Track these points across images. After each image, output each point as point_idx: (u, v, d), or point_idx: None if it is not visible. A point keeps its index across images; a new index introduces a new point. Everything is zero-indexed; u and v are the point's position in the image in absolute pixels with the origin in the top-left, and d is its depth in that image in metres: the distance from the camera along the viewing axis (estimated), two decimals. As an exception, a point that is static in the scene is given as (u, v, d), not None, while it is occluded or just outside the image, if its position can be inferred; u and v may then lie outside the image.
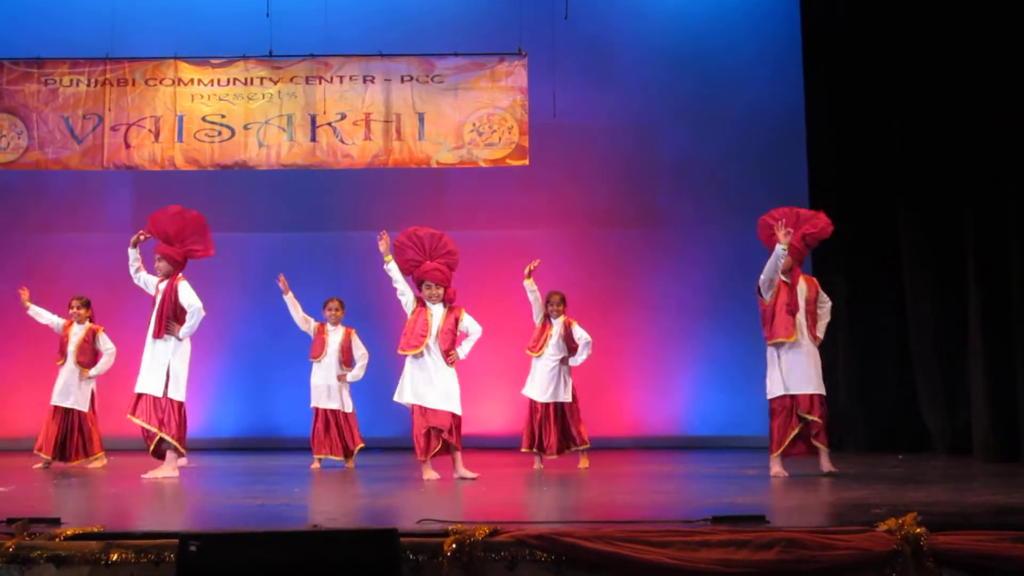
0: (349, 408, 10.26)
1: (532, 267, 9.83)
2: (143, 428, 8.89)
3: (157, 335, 8.91)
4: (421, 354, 8.76)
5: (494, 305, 11.47)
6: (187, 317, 8.88)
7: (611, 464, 10.05)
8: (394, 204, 12.89)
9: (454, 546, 4.87)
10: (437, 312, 8.88)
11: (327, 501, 7.66)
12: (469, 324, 8.97)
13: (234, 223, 12.76)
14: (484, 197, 12.97)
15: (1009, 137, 9.69)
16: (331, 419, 10.14)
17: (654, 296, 12.90)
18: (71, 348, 10.34)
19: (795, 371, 8.85)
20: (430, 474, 8.60)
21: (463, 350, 8.95)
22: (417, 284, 8.98)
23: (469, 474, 8.67)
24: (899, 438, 11.40)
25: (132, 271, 9.14)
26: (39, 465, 10.05)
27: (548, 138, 12.43)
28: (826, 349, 9.46)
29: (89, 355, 10.37)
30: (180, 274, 9.06)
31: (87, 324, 10.46)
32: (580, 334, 9.86)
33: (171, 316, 8.89)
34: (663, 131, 13.21)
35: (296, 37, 12.25)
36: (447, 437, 8.68)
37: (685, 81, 13.08)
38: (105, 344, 10.44)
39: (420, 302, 8.91)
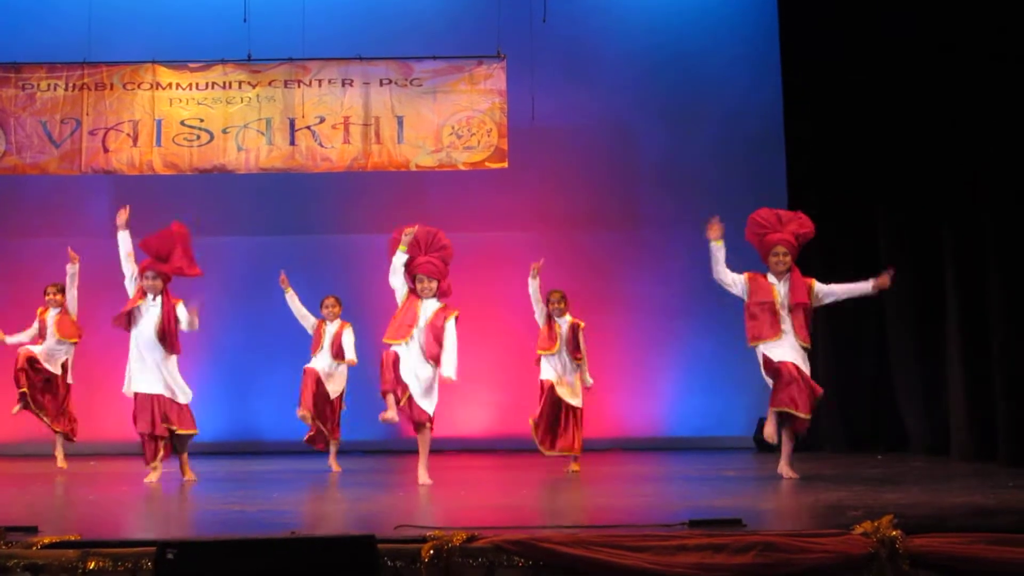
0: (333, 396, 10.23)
1: (538, 267, 9.83)
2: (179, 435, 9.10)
3: (173, 351, 9.10)
4: (406, 344, 8.71)
5: (475, 308, 11.45)
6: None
7: (591, 466, 10.06)
8: (373, 207, 12.90)
9: (432, 552, 4.87)
10: (429, 306, 8.85)
11: (306, 506, 7.65)
12: (448, 331, 8.85)
13: (213, 227, 12.73)
14: (463, 200, 12.97)
15: (988, 139, 9.73)
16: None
17: (634, 297, 12.93)
18: (50, 329, 10.60)
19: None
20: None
21: (444, 360, 8.80)
22: (412, 279, 8.91)
23: (426, 480, 8.64)
24: (877, 439, 11.46)
25: (125, 254, 9.18)
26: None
27: (527, 141, 12.44)
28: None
29: (68, 327, 10.59)
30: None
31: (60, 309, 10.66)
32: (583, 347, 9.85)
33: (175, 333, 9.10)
34: (642, 133, 13.24)
35: (274, 41, 12.23)
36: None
37: (664, 83, 13.12)
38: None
39: (412, 292, 8.88)
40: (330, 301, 10.37)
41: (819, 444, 11.58)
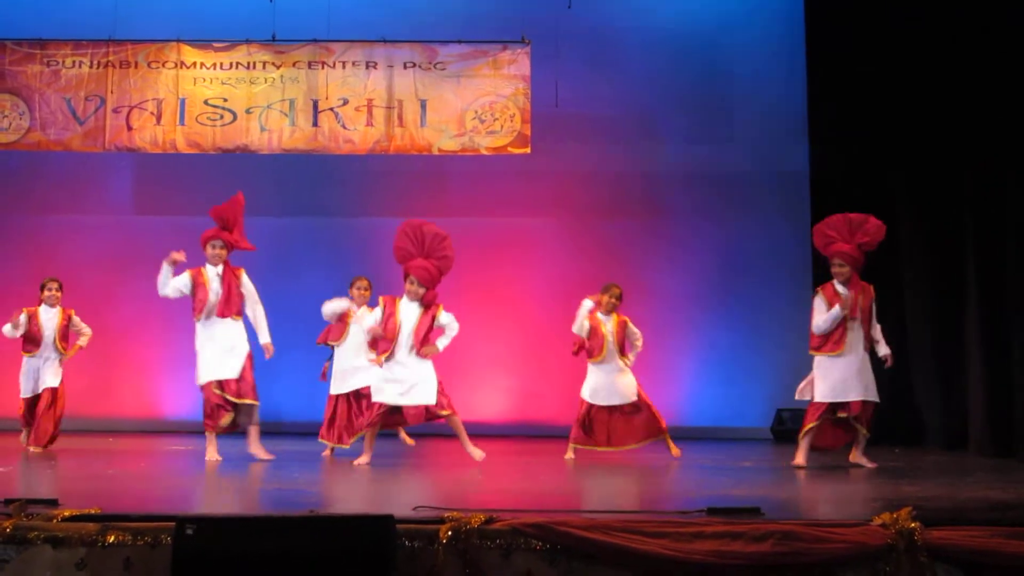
0: None
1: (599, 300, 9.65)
2: (238, 404, 9.04)
3: (226, 314, 9.09)
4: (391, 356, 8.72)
5: (493, 293, 11.50)
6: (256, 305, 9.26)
7: (607, 454, 10.05)
8: (395, 190, 12.91)
9: (450, 533, 4.88)
10: (412, 311, 8.80)
11: (324, 486, 7.67)
12: (448, 321, 8.85)
13: (235, 207, 12.76)
14: (485, 185, 12.96)
15: (1012, 135, 9.68)
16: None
17: (653, 287, 12.89)
18: (50, 333, 10.14)
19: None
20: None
21: (441, 343, 8.82)
22: (403, 276, 8.87)
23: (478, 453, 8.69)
24: (896, 432, 11.40)
25: (168, 288, 9.14)
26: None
27: (550, 127, 12.42)
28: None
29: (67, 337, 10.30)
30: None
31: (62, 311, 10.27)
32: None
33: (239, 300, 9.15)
34: (665, 122, 13.19)
35: (299, 22, 12.23)
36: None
37: (688, 72, 13.07)
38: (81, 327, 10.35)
39: (388, 301, 8.84)
40: (363, 283, 10.01)
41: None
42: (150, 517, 5.10)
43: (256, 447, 9.00)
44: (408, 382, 8.65)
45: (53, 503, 5.44)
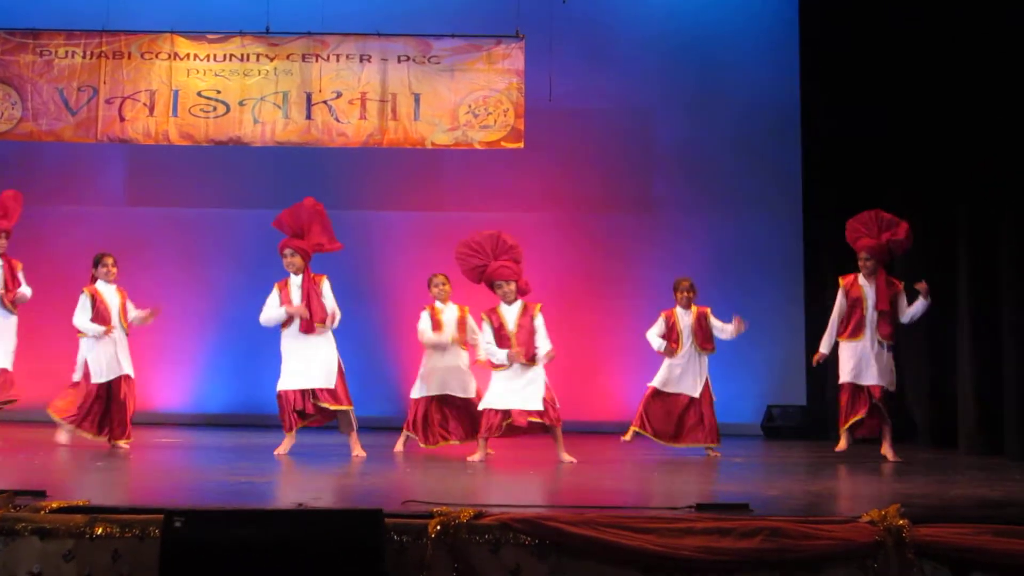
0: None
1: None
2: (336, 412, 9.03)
3: (309, 330, 9.04)
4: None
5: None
6: (332, 319, 9.14)
7: (598, 449, 10.07)
8: (388, 184, 12.91)
9: (439, 528, 4.88)
10: (511, 314, 8.88)
11: (313, 480, 7.67)
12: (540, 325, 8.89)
13: (227, 199, 12.79)
14: (478, 179, 12.96)
15: (1004, 132, 9.68)
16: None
17: (645, 281, 12.89)
18: (117, 312, 9.52)
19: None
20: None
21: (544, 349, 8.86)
22: (489, 287, 8.96)
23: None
24: (885, 430, 11.43)
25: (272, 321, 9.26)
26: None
27: (543, 121, 12.41)
28: (813, 341, 9.50)
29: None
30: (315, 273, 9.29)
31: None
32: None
33: (321, 310, 9.08)
34: (659, 117, 13.21)
35: (293, 14, 12.23)
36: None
37: (682, 67, 13.08)
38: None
39: (489, 316, 8.90)
40: (440, 279, 9.72)
41: (826, 433, 11.58)
42: (138, 509, 5.09)
43: (355, 446, 9.06)
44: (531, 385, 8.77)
45: (41, 494, 5.43)
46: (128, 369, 9.46)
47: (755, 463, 9.31)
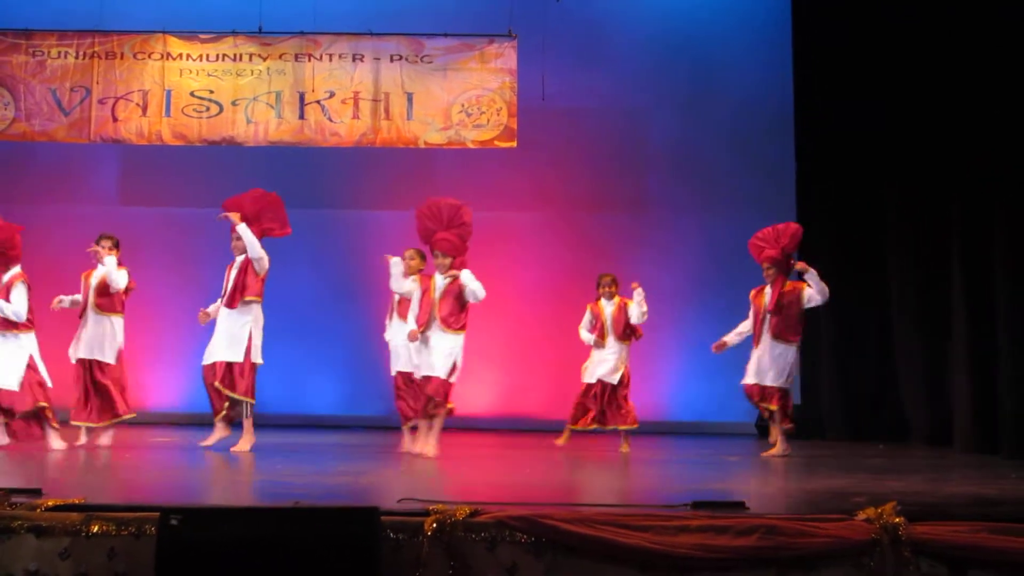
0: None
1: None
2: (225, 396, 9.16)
3: (231, 305, 9.28)
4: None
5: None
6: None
7: (594, 448, 10.07)
8: (381, 183, 12.90)
9: (435, 526, 4.87)
10: (440, 283, 8.87)
11: (309, 478, 7.66)
12: (467, 280, 8.89)
13: (220, 199, 12.65)
14: (471, 178, 12.93)
15: (998, 130, 9.69)
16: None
17: (639, 280, 12.90)
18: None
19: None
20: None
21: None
22: (432, 254, 8.98)
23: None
24: (880, 428, 11.45)
25: None
26: None
27: (536, 121, 12.41)
28: (809, 339, 9.52)
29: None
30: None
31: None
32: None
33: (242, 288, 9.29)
34: (652, 117, 13.21)
35: (286, 14, 12.22)
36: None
37: (675, 67, 13.08)
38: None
39: (423, 279, 8.94)
40: (408, 253, 9.53)
41: (822, 432, 11.61)
42: (134, 507, 5.07)
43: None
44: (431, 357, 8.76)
45: (37, 492, 5.42)
46: (99, 355, 9.35)
47: (750, 461, 9.31)
